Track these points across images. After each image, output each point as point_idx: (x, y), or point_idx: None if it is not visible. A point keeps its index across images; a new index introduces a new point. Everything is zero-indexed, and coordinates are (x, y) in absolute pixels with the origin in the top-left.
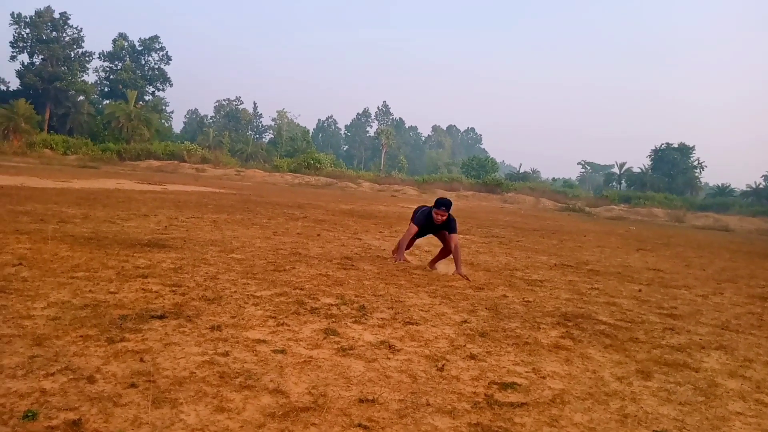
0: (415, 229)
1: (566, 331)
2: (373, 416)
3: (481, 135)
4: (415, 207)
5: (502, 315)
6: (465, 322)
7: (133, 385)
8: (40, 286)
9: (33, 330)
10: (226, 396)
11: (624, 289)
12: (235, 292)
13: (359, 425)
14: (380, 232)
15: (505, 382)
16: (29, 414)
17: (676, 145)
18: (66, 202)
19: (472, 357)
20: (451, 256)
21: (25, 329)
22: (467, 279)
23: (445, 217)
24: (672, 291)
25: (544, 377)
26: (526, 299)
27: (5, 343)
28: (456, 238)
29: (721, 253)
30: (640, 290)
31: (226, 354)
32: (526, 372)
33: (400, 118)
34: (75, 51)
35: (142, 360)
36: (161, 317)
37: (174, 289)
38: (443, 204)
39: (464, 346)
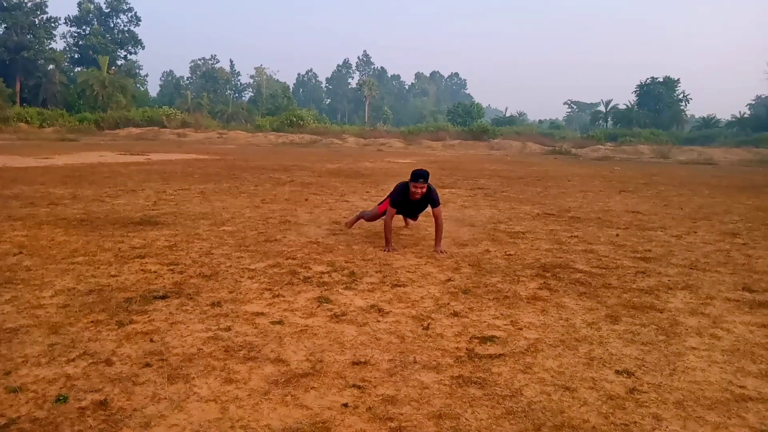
0: (393, 211)
1: (544, 283)
2: (365, 377)
3: (465, 80)
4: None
5: (485, 270)
6: (449, 280)
7: (147, 365)
8: (44, 274)
9: (47, 319)
10: (233, 368)
11: (602, 235)
12: (231, 266)
13: (354, 386)
14: (367, 192)
15: (485, 336)
16: (61, 398)
17: (661, 79)
18: (52, 182)
19: (455, 314)
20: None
21: (39, 319)
22: (443, 252)
23: (424, 189)
24: (648, 233)
25: (520, 329)
26: (507, 253)
27: (24, 333)
28: (440, 213)
29: (701, 190)
30: (617, 235)
31: (228, 329)
32: (505, 325)
33: (381, 67)
34: (39, 17)
35: (152, 340)
36: (163, 297)
37: (172, 267)
38: (420, 176)
39: (448, 304)
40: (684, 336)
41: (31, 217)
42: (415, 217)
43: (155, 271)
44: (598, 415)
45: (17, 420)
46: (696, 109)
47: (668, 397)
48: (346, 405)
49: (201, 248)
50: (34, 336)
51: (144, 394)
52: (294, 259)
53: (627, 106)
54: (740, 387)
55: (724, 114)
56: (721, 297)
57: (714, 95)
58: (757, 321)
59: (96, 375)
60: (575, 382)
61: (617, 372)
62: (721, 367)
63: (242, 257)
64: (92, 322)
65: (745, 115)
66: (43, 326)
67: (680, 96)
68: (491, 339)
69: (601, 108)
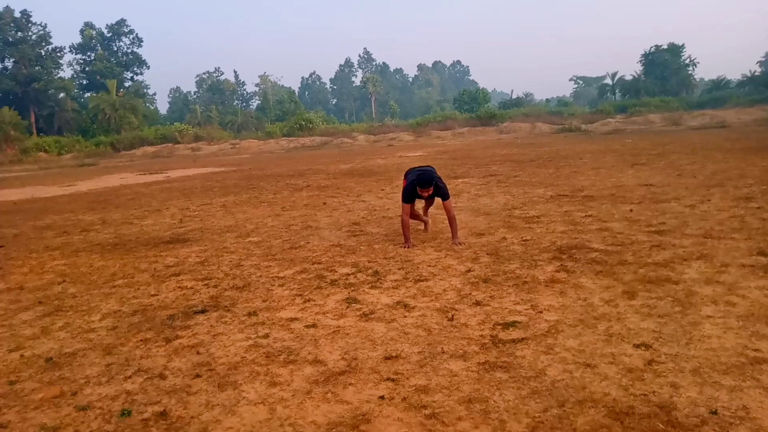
0: (407, 207)
1: (561, 265)
2: (398, 370)
3: (468, 66)
4: (407, 169)
5: (503, 258)
6: (469, 271)
7: (197, 376)
8: (90, 299)
9: (99, 341)
10: (275, 372)
11: (616, 212)
12: (261, 276)
13: (388, 379)
14: (382, 189)
15: (507, 322)
16: (125, 412)
17: (665, 46)
18: (80, 209)
19: (478, 303)
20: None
21: (92, 342)
22: (461, 244)
23: (431, 191)
24: (662, 206)
25: (541, 312)
26: (524, 238)
27: (82, 356)
28: (450, 206)
29: (714, 155)
30: (631, 210)
31: (266, 336)
32: (526, 309)
33: (384, 63)
34: (45, 48)
35: (198, 353)
36: (203, 312)
37: (206, 282)
38: (426, 181)
39: (470, 294)
40: (700, 305)
41: (67, 246)
42: (431, 202)
43: (191, 287)
44: (618, 387)
45: None
46: (705, 72)
47: (685, 366)
48: (382, 397)
49: (231, 261)
50: (90, 358)
51: (198, 403)
52: (320, 263)
53: (634, 76)
54: (755, 350)
55: (735, 74)
56: (736, 264)
57: (722, 56)
58: None
59: (152, 389)
60: (595, 359)
61: (635, 346)
62: (736, 333)
63: (271, 266)
64: (141, 340)
65: (756, 73)
66: (98, 348)
67: (687, 61)
68: (513, 324)
69: (608, 81)
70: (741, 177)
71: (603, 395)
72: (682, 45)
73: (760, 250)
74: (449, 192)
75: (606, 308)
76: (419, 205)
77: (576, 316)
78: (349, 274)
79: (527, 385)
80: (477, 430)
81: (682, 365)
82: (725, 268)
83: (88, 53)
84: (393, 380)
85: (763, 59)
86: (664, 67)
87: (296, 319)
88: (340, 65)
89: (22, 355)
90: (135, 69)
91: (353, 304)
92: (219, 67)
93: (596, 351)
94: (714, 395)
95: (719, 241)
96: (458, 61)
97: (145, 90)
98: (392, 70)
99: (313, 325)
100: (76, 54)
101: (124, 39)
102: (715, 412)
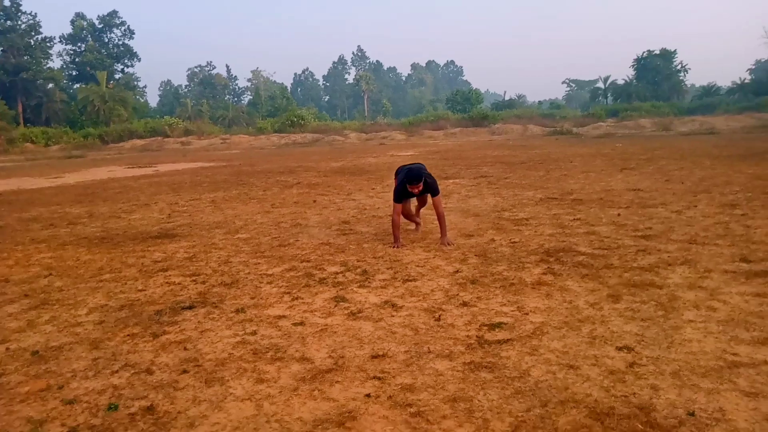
0: (399, 207)
1: (548, 267)
2: (384, 368)
3: (461, 66)
4: (398, 167)
5: (491, 260)
6: (457, 272)
7: (185, 371)
8: (76, 293)
9: (86, 335)
10: (263, 369)
11: (604, 216)
12: (249, 273)
13: (374, 377)
14: (372, 188)
15: (494, 323)
16: (112, 406)
17: (657, 52)
18: (67, 202)
19: (465, 304)
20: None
21: (79, 336)
22: (450, 245)
23: (421, 188)
24: (649, 211)
25: (527, 313)
26: (512, 240)
27: (68, 350)
28: (440, 202)
29: (702, 162)
30: (618, 214)
31: (254, 333)
32: (512, 311)
33: (377, 61)
34: (34, 38)
35: (185, 349)
36: (190, 308)
37: (194, 278)
38: (415, 178)
39: (457, 294)
40: (682, 310)
41: (54, 239)
42: (423, 201)
43: (179, 283)
44: (600, 389)
45: (77, 428)
46: (696, 79)
47: (665, 369)
48: (368, 395)
49: (219, 257)
50: (77, 352)
51: (185, 398)
52: (308, 261)
53: (626, 80)
54: (733, 354)
55: (725, 81)
56: (718, 269)
57: (713, 63)
58: (752, 290)
59: (139, 383)
60: (578, 360)
61: (618, 348)
62: (716, 337)
63: (259, 263)
64: (128, 335)
65: (746, 81)
66: (84, 342)
67: (678, 66)
68: (499, 325)
69: (600, 84)
70: (727, 184)
71: (585, 396)
72: (674, 51)
73: (743, 257)
74: (439, 188)
75: (590, 311)
76: (411, 205)
77: (561, 319)
78: (337, 273)
79: (511, 385)
80: (461, 429)
81: (662, 368)
82: (708, 274)
83: (79, 44)
84: (379, 379)
85: (753, 67)
86: (656, 72)
87: (284, 316)
88: (334, 62)
89: (7, 348)
90: (126, 61)
91: (341, 303)
92: (211, 61)
93: (579, 353)
94: (692, 397)
95: (703, 247)
96: (452, 61)
97: (135, 82)
98: (386, 69)
99: (301, 323)
100: (66, 45)
101: (115, 31)
102: (692, 414)
